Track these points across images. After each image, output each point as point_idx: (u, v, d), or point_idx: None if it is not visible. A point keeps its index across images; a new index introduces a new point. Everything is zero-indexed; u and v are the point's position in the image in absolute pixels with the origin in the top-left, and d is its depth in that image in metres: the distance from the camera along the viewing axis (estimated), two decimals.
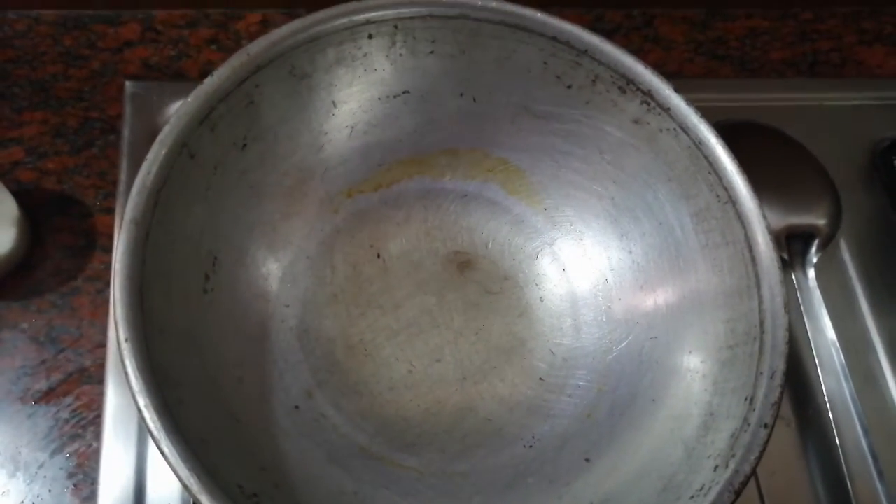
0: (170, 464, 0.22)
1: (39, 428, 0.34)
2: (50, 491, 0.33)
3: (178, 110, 0.27)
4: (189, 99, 0.27)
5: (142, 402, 0.22)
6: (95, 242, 0.38)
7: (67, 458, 0.34)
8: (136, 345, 0.23)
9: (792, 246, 0.39)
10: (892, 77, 0.49)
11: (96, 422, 0.34)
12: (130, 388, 0.23)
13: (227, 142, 0.30)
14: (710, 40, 0.48)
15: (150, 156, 0.26)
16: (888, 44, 0.49)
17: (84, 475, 0.33)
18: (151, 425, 0.22)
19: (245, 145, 0.30)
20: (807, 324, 0.37)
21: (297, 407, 0.30)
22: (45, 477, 0.33)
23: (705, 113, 0.31)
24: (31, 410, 0.35)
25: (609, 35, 0.47)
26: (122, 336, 0.23)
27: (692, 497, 0.25)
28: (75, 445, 0.34)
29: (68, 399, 0.35)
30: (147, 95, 0.40)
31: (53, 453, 0.34)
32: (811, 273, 0.39)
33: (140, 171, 0.25)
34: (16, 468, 0.33)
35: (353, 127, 0.34)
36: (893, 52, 0.49)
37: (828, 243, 0.40)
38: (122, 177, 0.38)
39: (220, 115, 0.29)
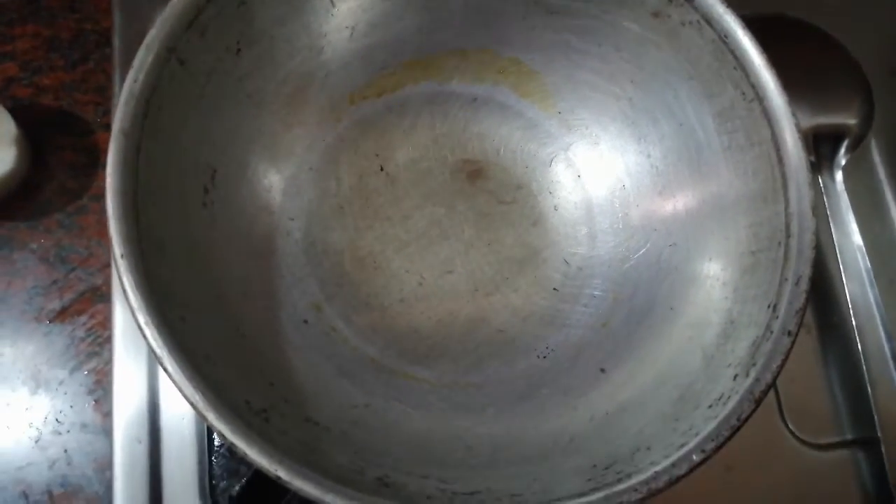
0: (174, 381, 0.22)
1: (56, 346, 0.35)
2: (72, 406, 0.34)
3: (162, 13, 0.25)
4: (173, 0, 0.25)
5: (142, 319, 0.22)
6: (98, 160, 0.38)
7: (86, 375, 0.34)
8: (132, 260, 0.23)
9: (819, 147, 0.38)
10: None
11: (111, 339, 0.34)
12: (129, 305, 0.22)
13: (220, 47, 0.28)
14: None
15: (136, 63, 0.24)
16: None
17: (104, 391, 0.34)
18: (153, 342, 0.22)
19: (239, 50, 0.29)
20: (832, 228, 0.36)
21: (305, 321, 0.30)
22: (65, 393, 0.34)
23: (729, 6, 0.29)
24: (47, 329, 0.35)
25: None
26: (118, 252, 0.22)
27: (710, 406, 0.25)
28: (93, 363, 0.35)
29: (82, 318, 0.35)
30: (137, 3, 0.38)
31: (72, 370, 0.34)
32: (839, 176, 0.37)
33: (126, 80, 0.24)
34: (37, 385, 0.34)
35: (353, 28, 0.32)
36: None
37: (858, 144, 0.38)
38: (116, 90, 0.36)
39: (210, 17, 0.27)
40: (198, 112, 0.27)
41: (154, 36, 0.25)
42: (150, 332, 0.22)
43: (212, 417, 0.21)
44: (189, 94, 0.27)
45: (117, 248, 0.22)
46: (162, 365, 0.21)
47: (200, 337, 0.24)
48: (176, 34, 0.25)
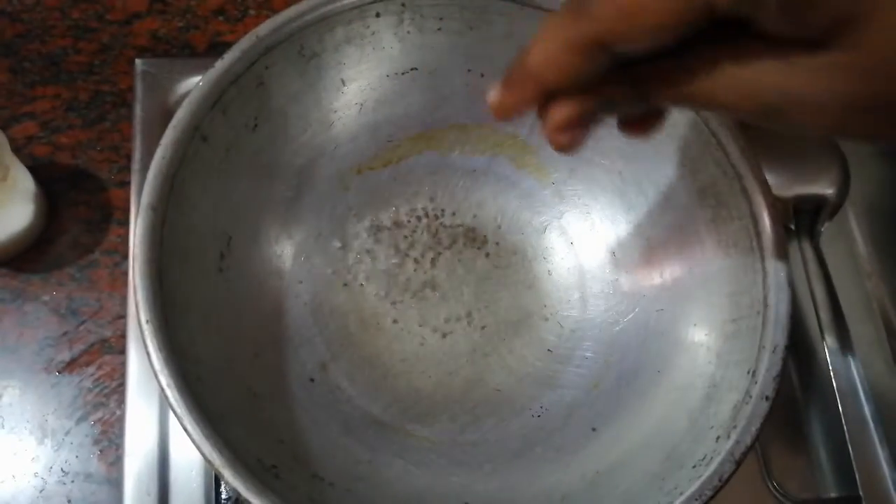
0: (193, 440, 0.23)
1: (64, 397, 0.35)
2: (77, 457, 0.34)
3: (190, 95, 0.27)
4: (200, 83, 0.28)
5: (164, 381, 0.23)
6: (111, 216, 0.39)
7: (92, 425, 0.35)
8: (156, 325, 0.24)
9: (799, 215, 0.39)
10: None
11: (118, 390, 0.35)
12: (153, 367, 0.24)
13: (239, 123, 0.30)
14: None
15: (164, 141, 0.26)
16: None
17: (109, 441, 0.35)
18: (174, 403, 0.23)
19: (256, 126, 0.31)
20: (812, 292, 0.37)
21: (312, 380, 0.31)
22: (71, 443, 0.35)
23: None
24: (56, 380, 0.36)
25: None
26: (144, 318, 0.24)
27: (694, 466, 0.26)
28: (99, 413, 0.35)
29: (90, 369, 0.36)
30: (157, 73, 0.40)
31: (79, 421, 0.35)
32: (818, 242, 0.39)
33: (155, 157, 0.26)
34: (44, 435, 0.35)
35: (362, 104, 0.34)
36: None
37: (835, 212, 0.40)
38: (137, 155, 0.38)
39: (231, 97, 0.29)
40: (216, 183, 0.29)
41: (181, 116, 0.27)
42: (171, 393, 0.23)
43: (228, 475, 0.22)
44: (209, 167, 0.29)
45: (143, 314, 0.24)
46: (182, 424, 0.23)
47: (216, 397, 0.25)
48: (201, 113, 0.27)
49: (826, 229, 0.39)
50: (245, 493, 0.22)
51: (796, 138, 0.41)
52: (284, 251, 0.33)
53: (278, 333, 0.31)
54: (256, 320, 0.31)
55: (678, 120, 0.31)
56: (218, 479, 0.32)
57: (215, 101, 0.28)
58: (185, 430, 0.23)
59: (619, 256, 0.34)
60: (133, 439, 0.33)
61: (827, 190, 0.40)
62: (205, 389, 0.25)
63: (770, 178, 0.30)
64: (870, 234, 0.41)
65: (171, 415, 0.33)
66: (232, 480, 0.22)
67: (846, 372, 0.35)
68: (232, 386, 0.27)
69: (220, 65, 0.28)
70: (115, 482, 0.34)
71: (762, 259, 0.29)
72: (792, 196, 0.40)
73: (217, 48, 0.43)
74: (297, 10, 0.30)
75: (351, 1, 0.30)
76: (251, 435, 0.26)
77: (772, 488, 0.35)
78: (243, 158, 0.31)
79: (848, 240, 0.41)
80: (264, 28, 0.29)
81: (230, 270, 0.30)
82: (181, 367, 0.24)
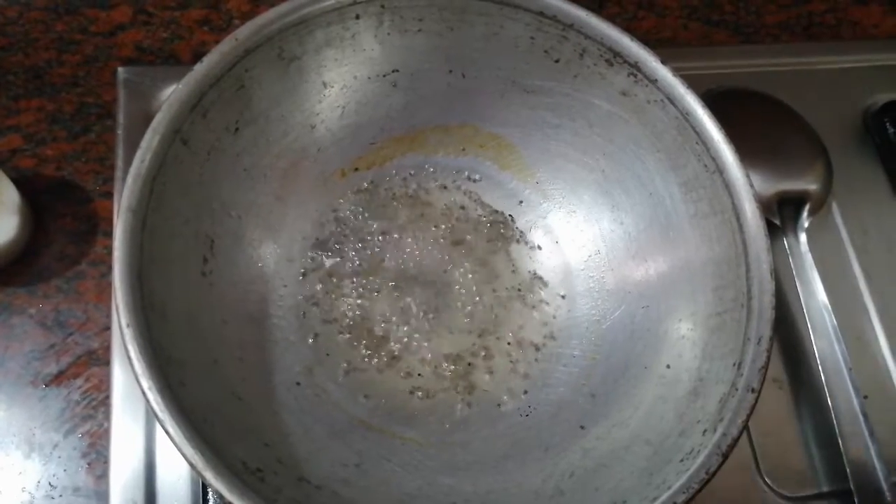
0: (174, 442, 0.23)
1: (52, 410, 0.35)
2: (65, 470, 0.34)
3: (169, 97, 0.27)
4: (180, 86, 0.28)
5: (145, 384, 0.23)
6: (97, 227, 0.39)
7: (80, 438, 0.35)
8: (137, 329, 0.24)
9: (783, 211, 0.40)
10: (888, 37, 0.48)
11: (106, 402, 0.35)
12: (134, 371, 0.23)
13: (220, 127, 0.30)
14: (704, 5, 0.48)
15: (144, 144, 0.26)
16: (884, 2, 0.49)
17: (97, 454, 0.34)
18: (155, 406, 0.23)
19: (237, 129, 0.31)
20: (799, 288, 0.37)
21: (298, 383, 0.31)
22: (59, 457, 0.34)
23: (700, 80, 0.31)
24: (43, 393, 0.35)
25: (602, 2, 0.47)
26: (124, 322, 0.24)
27: (682, 460, 0.26)
28: (87, 426, 0.35)
29: (78, 381, 0.36)
30: (140, 81, 0.40)
31: (66, 434, 0.35)
32: (803, 237, 0.39)
33: (134, 160, 0.26)
34: (31, 449, 0.34)
35: (344, 107, 0.34)
36: (889, 10, 0.49)
37: (819, 207, 0.40)
38: (119, 163, 0.38)
39: (212, 100, 0.29)
40: (198, 187, 0.29)
41: (161, 119, 0.27)
42: (152, 396, 0.23)
43: (210, 476, 0.22)
44: (190, 170, 0.29)
45: (123, 318, 0.24)
46: (164, 427, 0.23)
47: (199, 400, 0.25)
48: (181, 117, 0.27)
49: (811, 224, 0.40)
50: (228, 495, 0.22)
51: (778, 133, 0.42)
52: (268, 254, 0.33)
53: (263, 337, 0.31)
54: (241, 324, 0.30)
55: (659, 116, 0.31)
56: (206, 490, 0.32)
57: (195, 104, 0.28)
58: (167, 432, 0.23)
59: (604, 254, 0.34)
60: (119, 451, 0.33)
61: (810, 185, 0.40)
62: (187, 393, 0.25)
63: (753, 175, 0.30)
64: (854, 227, 0.42)
65: (158, 426, 0.33)
66: (214, 482, 0.22)
67: (835, 365, 0.36)
68: (216, 389, 0.27)
69: (200, 68, 0.28)
70: (103, 495, 0.33)
71: (745, 252, 0.29)
72: (776, 192, 0.40)
73: (202, 58, 0.43)
74: (276, 13, 0.30)
75: (330, 3, 0.30)
76: (236, 438, 0.26)
77: (764, 484, 0.35)
78: (225, 162, 0.31)
79: (833, 234, 0.41)
80: (243, 31, 0.29)
81: (213, 274, 0.30)
82: (163, 371, 0.24)
